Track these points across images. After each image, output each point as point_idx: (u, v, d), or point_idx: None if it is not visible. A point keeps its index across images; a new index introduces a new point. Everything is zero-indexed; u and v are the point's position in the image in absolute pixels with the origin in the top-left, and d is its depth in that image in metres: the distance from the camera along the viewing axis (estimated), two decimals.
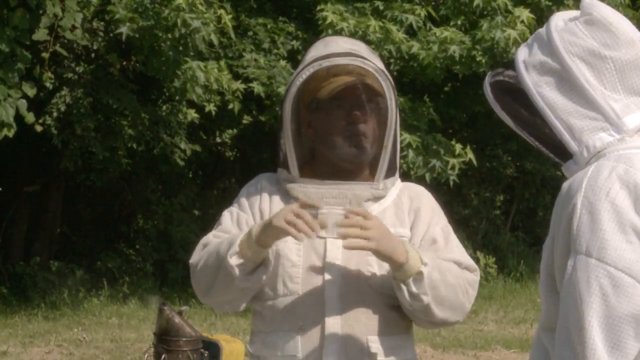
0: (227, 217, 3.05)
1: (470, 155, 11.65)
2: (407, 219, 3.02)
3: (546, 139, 2.25)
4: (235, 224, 3.02)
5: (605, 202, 2.06)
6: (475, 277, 3.01)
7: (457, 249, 3.02)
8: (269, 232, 2.82)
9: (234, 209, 3.06)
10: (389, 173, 3.03)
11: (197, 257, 2.99)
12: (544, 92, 2.19)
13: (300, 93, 2.97)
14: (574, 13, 2.24)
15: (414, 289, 2.85)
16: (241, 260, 2.85)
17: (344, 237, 2.82)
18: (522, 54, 2.24)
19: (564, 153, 2.22)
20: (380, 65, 2.99)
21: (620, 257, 2.03)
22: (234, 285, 2.88)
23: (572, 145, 2.18)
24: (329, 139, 2.97)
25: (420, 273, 2.84)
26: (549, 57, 2.20)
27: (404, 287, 2.86)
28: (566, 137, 2.18)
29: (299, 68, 2.98)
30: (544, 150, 2.27)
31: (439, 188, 13.44)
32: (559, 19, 2.24)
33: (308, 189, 2.99)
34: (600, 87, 2.16)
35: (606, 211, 2.05)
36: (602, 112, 2.16)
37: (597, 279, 2.02)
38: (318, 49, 3.02)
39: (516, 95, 2.26)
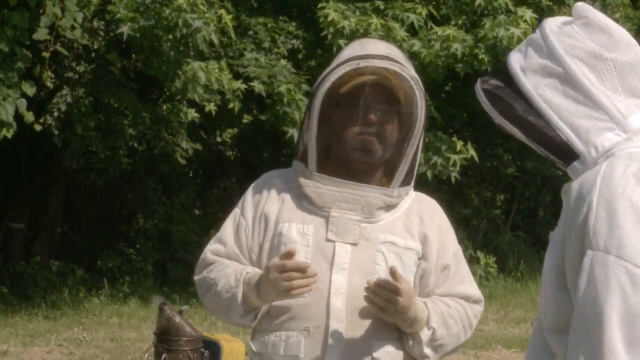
0: (229, 224, 3.06)
1: (472, 151, 11.65)
2: (416, 234, 3.02)
3: (545, 141, 2.24)
4: (234, 233, 3.04)
5: (622, 199, 2.05)
6: (480, 308, 3.07)
7: (467, 278, 3.05)
8: (271, 297, 2.89)
9: (237, 212, 3.07)
10: (405, 181, 3.02)
11: (199, 279, 3.06)
12: (545, 94, 2.19)
13: (330, 89, 2.96)
14: (564, 18, 2.26)
15: (414, 350, 2.93)
16: (249, 315, 2.97)
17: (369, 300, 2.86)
18: (516, 59, 2.25)
19: (564, 154, 2.22)
20: (415, 73, 2.97)
21: (639, 254, 2.02)
22: (245, 326, 3.03)
23: (579, 146, 2.18)
24: (342, 136, 2.97)
25: (417, 334, 2.90)
26: (548, 60, 2.20)
27: (404, 339, 2.94)
28: (572, 138, 2.18)
29: (333, 64, 2.96)
30: (544, 152, 2.26)
31: (439, 187, 13.45)
32: (552, 24, 2.25)
33: (321, 190, 2.98)
34: (602, 87, 2.17)
35: (623, 208, 2.05)
36: (608, 113, 2.17)
37: (616, 276, 2.01)
38: (354, 48, 3.00)
39: (511, 101, 2.25)
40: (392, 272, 2.81)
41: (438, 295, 2.99)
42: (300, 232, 2.96)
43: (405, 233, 2.99)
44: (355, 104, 2.94)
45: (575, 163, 2.20)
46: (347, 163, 2.99)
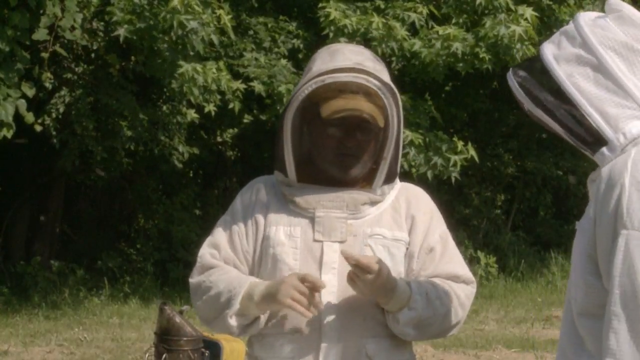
0: (220, 229, 3.05)
1: (472, 152, 11.65)
2: (404, 223, 3.02)
3: (575, 129, 2.29)
4: (227, 238, 3.03)
5: None
6: (472, 289, 3.03)
7: (455, 259, 3.03)
8: (272, 304, 2.88)
9: (227, 219, 3.06)
10: (388, 180, 3.03)
11: (197, 281, 3.03)
12: (578, 82, 2.25)
13: (302, 104, 2.98)
14: (598, 13, 2.32)
15: (393, 329, 2.92)
16: (240, 319, 2.94)
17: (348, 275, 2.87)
18: (549, 49, 2.31)
19: (592, 141, 2.26)
20: (385, 77, 2.97)
21: None
22: (232, 334, 3.02)
23: (608, 133, 2.24)
24: (321, 152, 2.99)
25: (396, 314, 2.89)
26: (581, 50, 2.27)
27: (386, 317, 2.93)
28: (602, 124, 2.23)
29: (303, 79, 2.98)
30: (573, 140, 2.29)
31: (440, 187, 13.45)
32: (586, 17, 2.32)
33: (305, 193, 3.00)
34: (633, 77, 2.24)
35: None
36: (637, 101, 2.23)
37: None
38: (324, 59, 3.00)
39: (544, 90, 2.31)
40: (347, 257, 2.84)
41: (425, 277, 2.98)
42: (287, 235, 2.97)
43: (393, 224, 3.00)
44: (335, 124, 2.95)
45: (604, 149, 2.25)
46: (327, 171, 3.02)
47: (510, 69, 2.36)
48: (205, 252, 3.04)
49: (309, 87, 2.93)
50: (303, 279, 2.85)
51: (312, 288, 2.84)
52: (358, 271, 2.82)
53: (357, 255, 2.84)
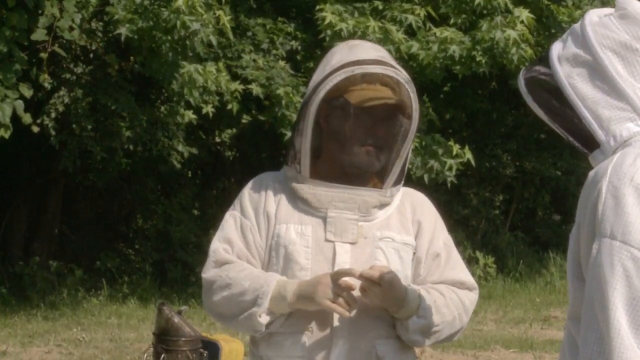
0: (231, 223, 3.03)
1: (469, 155, 11.65)
2: (411, 228, 3.04)
3: (575, 130, 2.26)
4: (239, 233, 3.01)
5: (629, 186, 2.07)
6: (474, 295, 3.06)
7: (459, 265, 3.06)
8: (309, 305, 2.88)
9: (237, 214, 3.04)
10: (397, 181, 3.05)
11: (212, 276, 2.99)
12: (575, 83, 2.22)
13: (325, 97, 2.95)
14: (609, 10, 2.28)
15: (402, 336, 2.94)
16: (269, 318, 2.92)
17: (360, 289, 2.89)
18: (556, 48, 2.28)
19: (591, 143, 2.24)
20: (405, 73, 2.98)
21: None
22: (255, 333, 2.97)
23: (600, 135, 2.20)
24: (346, 143, 2.97)
25: (406, 322, 2.91)
26: (581, 50, 2.23)
27: (395, 324, 2.95)
28: (594, 126, 2.21)
29: (325, 70, 2.95)
30: (572, 141, 2.28)
31: (438, 188, 13.44)
32: (594, 15, 2.28)
33: (317, 191, 2.98)
34: (630, 78, 2.20)
35: (630, 195, 2.06)
36: (631, 103, 2.19)
37: (621, 261, 2.03)
38: (343, 53, 2.99)
39: (549, 89, 2.29)
40: (361, 276, 2.86)
41: (431, 283, 3.00)
42: (298, 233, 2.96)
43: (401, 228, 3.02)
44: (367, 114, 2.94)
45: (597, 152, 2.23)
46: (341, 166, 3.00)
47: (523, 67, 2.35)
48: (219, 247, 3.01)
49: (339, 76, 2.90)
50: (335, 278, 2.86)
51: (348, 287, 2.86)
52: (370, 284, 2.84)
53: (370, 271, 2.85)
